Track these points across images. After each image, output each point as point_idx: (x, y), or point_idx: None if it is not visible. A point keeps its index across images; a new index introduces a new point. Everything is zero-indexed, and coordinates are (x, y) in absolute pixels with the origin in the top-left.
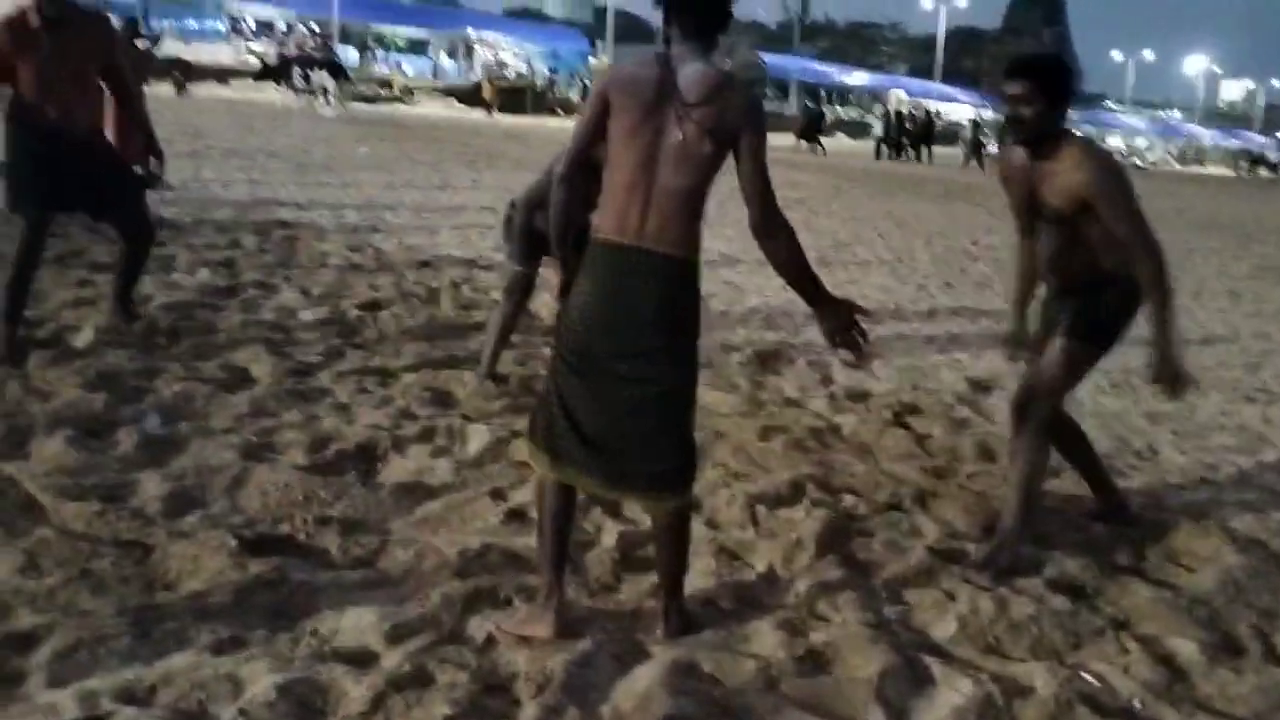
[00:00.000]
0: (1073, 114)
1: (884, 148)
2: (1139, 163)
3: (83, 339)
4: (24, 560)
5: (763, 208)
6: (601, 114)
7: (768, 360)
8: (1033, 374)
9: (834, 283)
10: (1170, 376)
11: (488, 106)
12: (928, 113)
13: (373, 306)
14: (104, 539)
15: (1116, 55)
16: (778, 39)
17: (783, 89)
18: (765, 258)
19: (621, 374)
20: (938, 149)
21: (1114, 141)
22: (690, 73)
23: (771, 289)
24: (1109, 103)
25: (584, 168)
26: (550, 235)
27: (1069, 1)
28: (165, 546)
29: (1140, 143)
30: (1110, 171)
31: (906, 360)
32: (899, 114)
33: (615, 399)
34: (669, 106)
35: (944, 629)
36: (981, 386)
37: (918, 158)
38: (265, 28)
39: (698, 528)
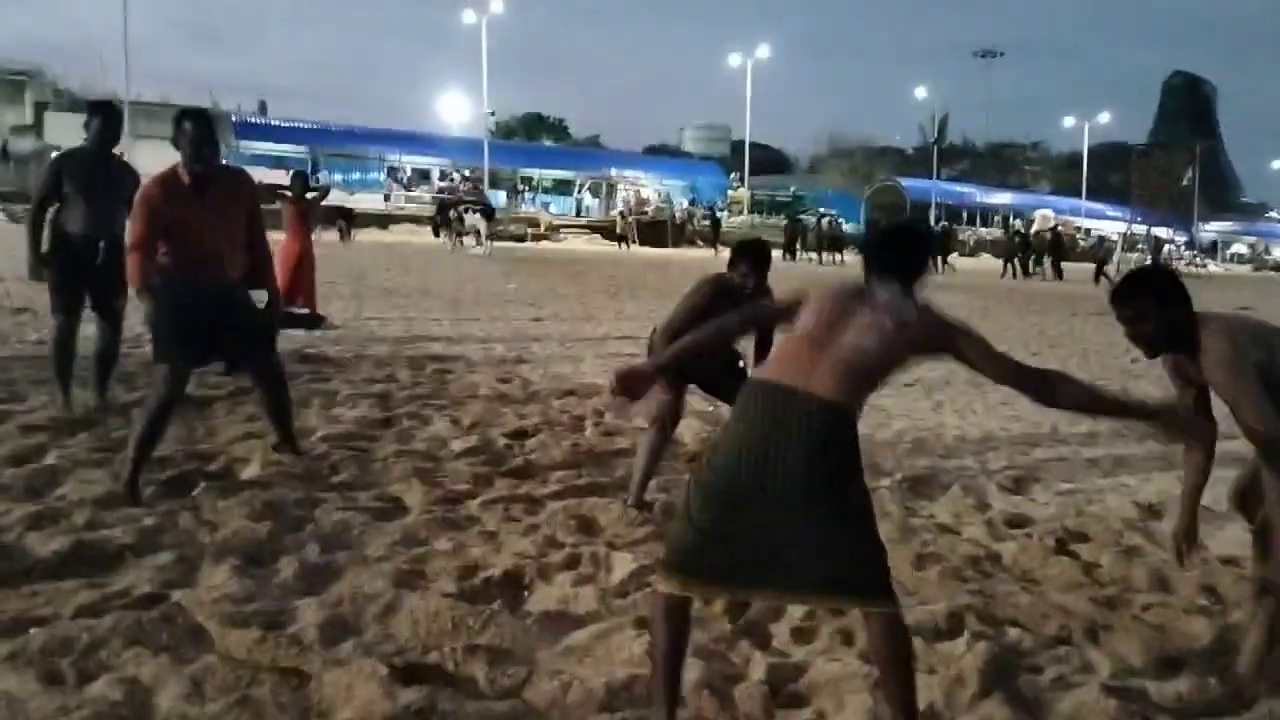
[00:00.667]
0: (1233, 225)
1: (1011, 265)
2: None
3: (250, 471)
4: (189, 686)
5: (1022, 380)
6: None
7: (919, 486)
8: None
9: (986, 405)
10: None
11: (623, 240)
12: (1055, 230)
13: (520, 435)
14: (264, 666)
15: (1277, 165)
16: (915, 163)
17: (923, 212)
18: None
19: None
20: (1081, 264)
21: (1279, 252)
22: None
23: (919, 411)
24: (1272, 213)
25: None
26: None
27: (1222, 110)
28: (320, 674)
29: None
30: (1220, 361)
31: (1068, 485)
32: (1019, 232)
33: (772, 522)
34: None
35: None
36: (1152, 512)
37: (1045, 275)
38: (422, 176)
39: (850, 662)
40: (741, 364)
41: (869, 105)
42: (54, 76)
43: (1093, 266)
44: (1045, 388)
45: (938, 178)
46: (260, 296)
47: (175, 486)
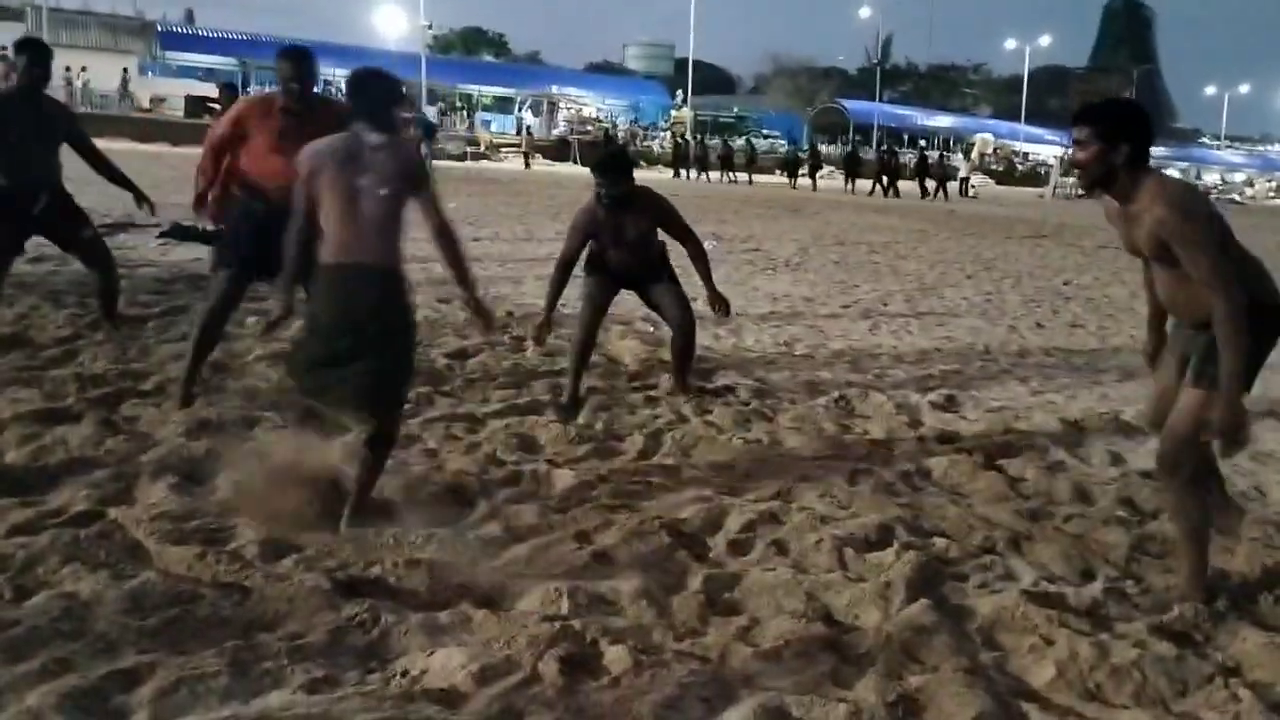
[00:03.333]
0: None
1: (880, 184)
2: (1238, 198)
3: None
4: (129, 602)
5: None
6: None
7: (854, 404)
8: (1170, 426)
9: (922, 326)
10: (1228, 427)
11: (526, 159)
12: (923, 153)
13: (460, 355)
14: (204, 581)
15: (1211, 90)
16: (859, 85)
17: (865, 134)
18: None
19: None
20: (1019, 189)
21: (1210, 178)
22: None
23: (856, 332)
24: (1205, 139)
25: None
26: None
27: (1160, 37)
28: (262, 589)
29: (1238, 178)
30: (1179, 208)
31: (998, 402)
32: (891, 151)
33: None
34: None
35: (1041, 675)
36: (1076, 428)
37: (927, 193)
38: None
39: (784, 571)
40: (668, 272)
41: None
42: None
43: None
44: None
45: (880, 100)
46: None
47: (109, 405)
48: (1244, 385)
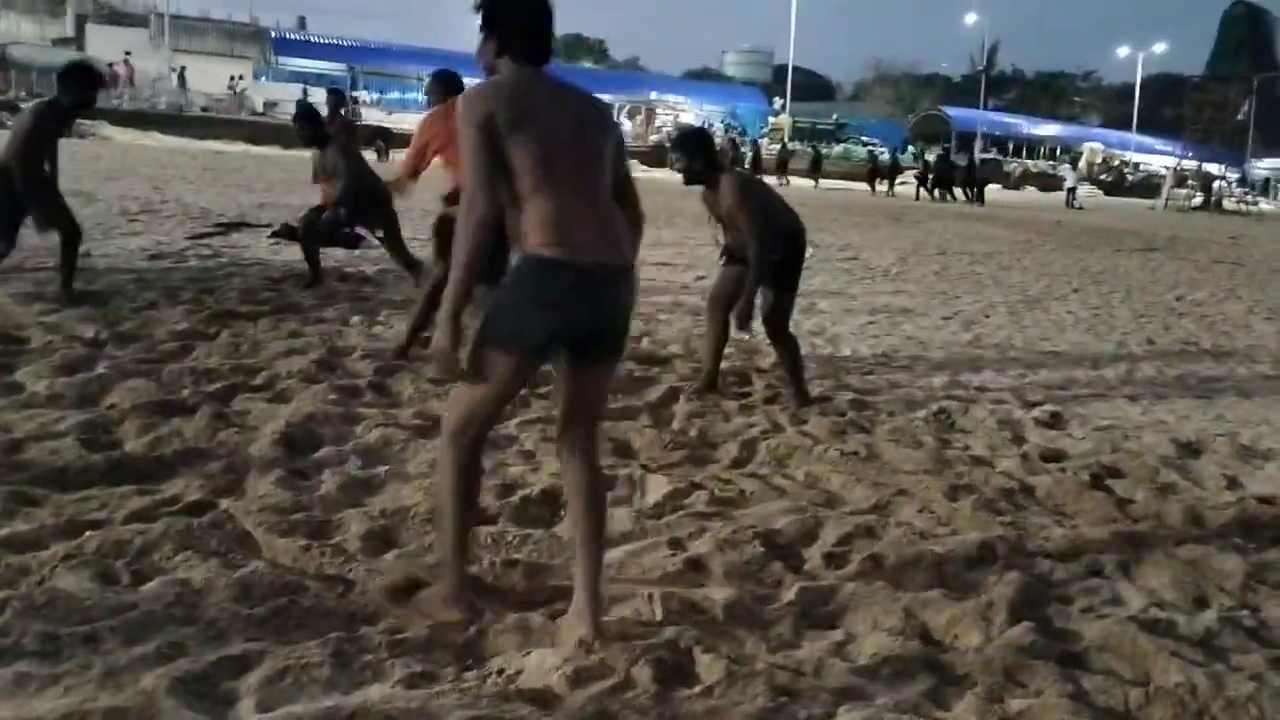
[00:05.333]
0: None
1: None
2: None
3: (294, 386)
4: (239, 590)
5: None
6: None
7: (953, 417)
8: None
9: (1026, 340)
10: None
11: None
12: (969, 157)
13: None
14: (309, 573)
15: None
16: (962, 92)
17: (969, 142)
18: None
19: None
20: (1129, 200)
21: None
22: None
23: (957, 344)
24: None
25: None
26: None
27: None
28: (364, 582)
29: None
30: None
31: (1105, 420)
32: (940, 157)
33: None
34: None
35: (1151, 706)
36: (1189, 450)
37: (953, 198)
38: None
39: (881, 587)
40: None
41: (916, 31)
42: None
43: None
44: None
45: (985, 107)
46: None
47: (222, 398)
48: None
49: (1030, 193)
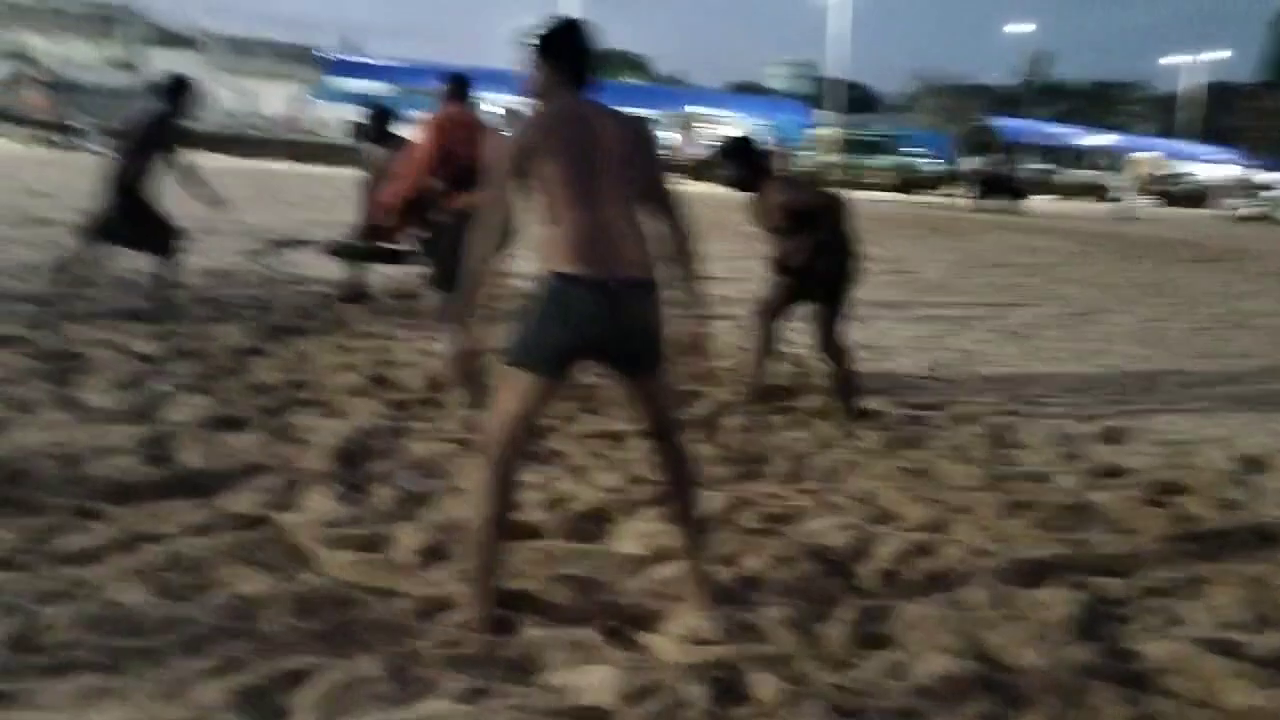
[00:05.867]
0: None
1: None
2: None
3: (346, 400)
4: (293, 604)
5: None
6: None
7: (1007, 432)
8: None
9: (1081, 352)
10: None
11: None
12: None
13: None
14: (362, 586)
15: None
16: (1012, 102)
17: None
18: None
19: None
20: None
21: None
22: None
23: (1007, 356)
24: None
25: None
26: None
27: None
28: (417, 594)
29: None
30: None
31: (1165, 434)
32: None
33: None
34: None
35: None
36: (1253, 464)
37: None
38: (511, 115)
39: (938, 605)
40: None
41: (963, 41)
42: (143, 11)
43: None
44: None
45: (1035, 118)
46: None
47: (276, 413)
48: None
49: (1082, 203)
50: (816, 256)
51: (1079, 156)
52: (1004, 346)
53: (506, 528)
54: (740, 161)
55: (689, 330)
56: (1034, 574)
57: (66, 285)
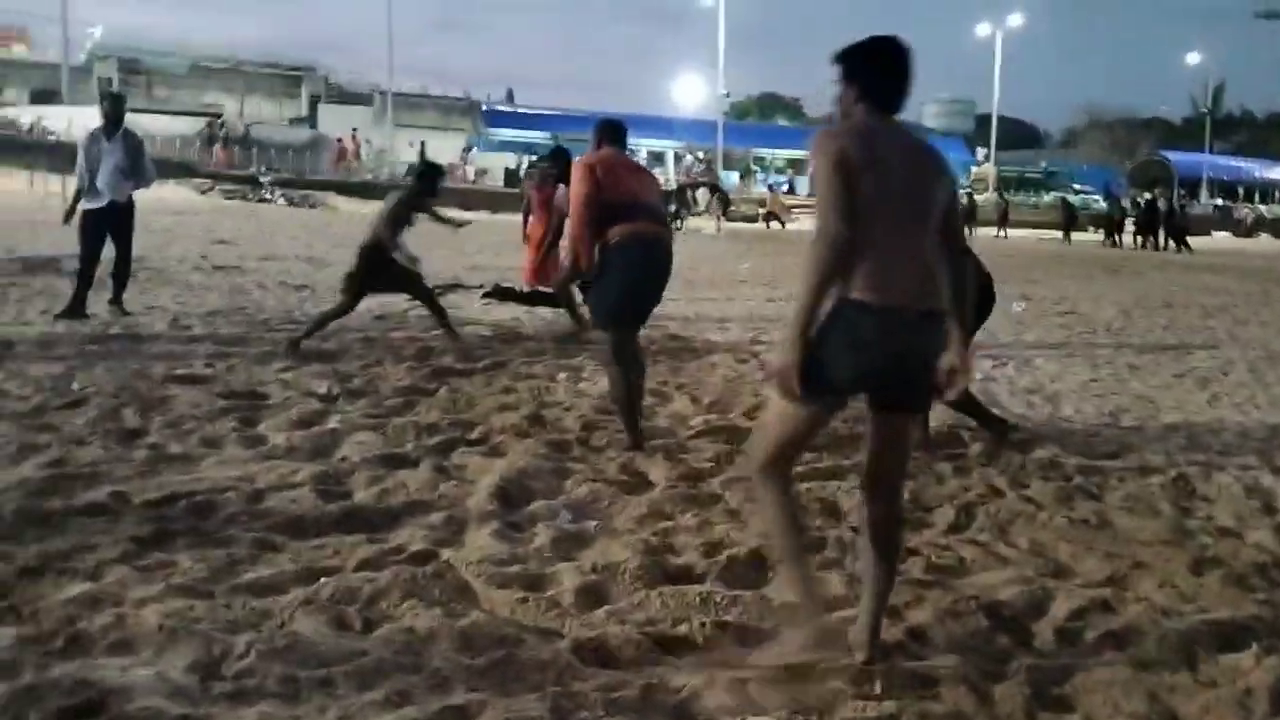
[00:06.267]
0: None
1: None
2: None
3: (507, 440)
4: (460, 641)
5: None
6: None
7: (1196, 484)
8: None
9: (1271, 399)
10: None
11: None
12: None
13: (758, 414)
14: (525, 625)
15: None
16: (1184, 135)
17: (1193, 188)
18: None
19: None
20: None
21: None
22: None
23: (1193, 404)
24: None
25: None
26: None
27: None
28: (578, 637)
29: None
30: None
31: None
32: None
33: None
34: None
35: None
36: None
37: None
38: (655, 159)
39: (1121, 667)
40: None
41: (1131, 74)
42: (325, 72)
43: None
44: None
45: (1211, 151)
46: None
47: (442, 451)
48: None
49: (1264, 240)
50: None
51: (1258, 191)
52: (1185, 392)
53: (807, 534)
54: None
55: (957, 360)
56: (1228, 637)
57: (319, 334)
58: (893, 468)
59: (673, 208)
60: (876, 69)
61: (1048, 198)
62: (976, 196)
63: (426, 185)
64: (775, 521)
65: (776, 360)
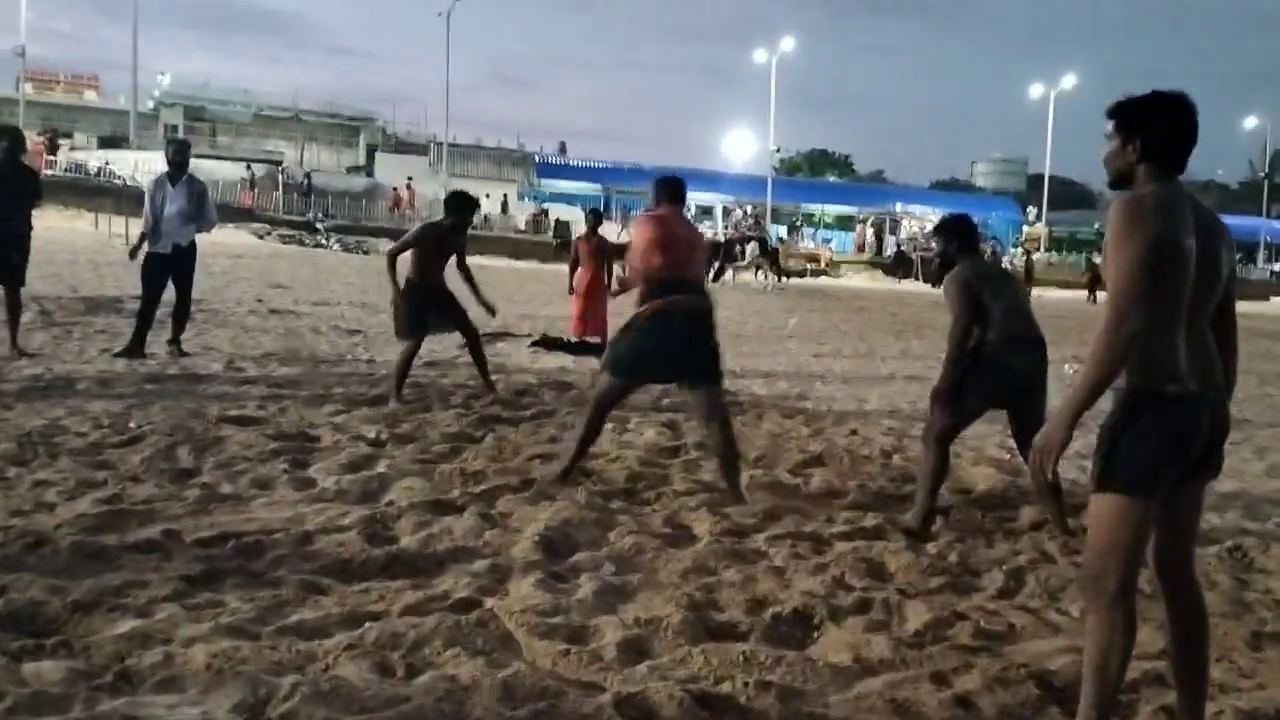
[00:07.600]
0: None
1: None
2: None
3: (551, 489)
4: (502, 691)
5: None
6: None
7: (1254, 555)
8: None
9: None
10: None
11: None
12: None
13: (803, 468)
14: (567, 679)
15: None
16: (1241, 199)
17: (1250, 252)
18: None
19: None
20: None
21: None
22: None
23: (1250, 473)
24: None
25: None
26: None
27: None
28: (619, 692)
29: None
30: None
31: None
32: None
33: None
34: None
35: None
36: None
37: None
38: (704, 213)
39: None
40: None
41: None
42: (383, 122)
43: None
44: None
45: (1267, 215)
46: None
47: (488, 499)
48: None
49: None
50: (1007, 349)
51: None
52: (1242, 461)
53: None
54: (949, 238)
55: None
56: None
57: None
58: (1189, 539)
59: (716, 264)
60: (1168, 125)
61: (1097, 258)
62: (1029, 256)
63: (457, 214)
64: (1110, 649)
65: (1049, 433)
